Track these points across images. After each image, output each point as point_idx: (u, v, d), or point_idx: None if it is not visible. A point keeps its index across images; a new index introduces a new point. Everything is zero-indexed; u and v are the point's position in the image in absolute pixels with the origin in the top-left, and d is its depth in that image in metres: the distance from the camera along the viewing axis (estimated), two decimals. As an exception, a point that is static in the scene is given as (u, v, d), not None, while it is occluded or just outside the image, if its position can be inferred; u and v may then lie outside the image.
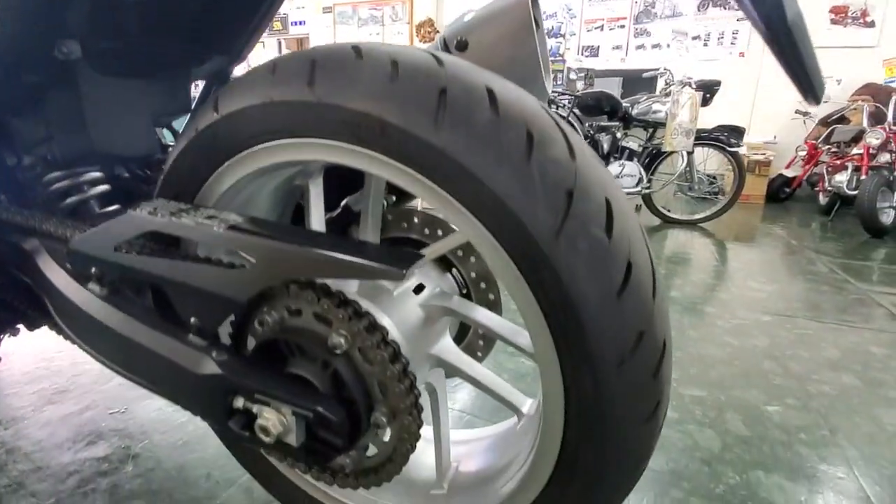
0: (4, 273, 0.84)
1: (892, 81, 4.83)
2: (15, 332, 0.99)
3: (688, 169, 3.87)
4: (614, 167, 3.68)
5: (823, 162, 4.84)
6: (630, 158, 3.82)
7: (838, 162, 4.50)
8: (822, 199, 4.71)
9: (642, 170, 3.76)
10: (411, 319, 0.70)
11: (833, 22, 5.37)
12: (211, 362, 0.60)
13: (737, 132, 4.24)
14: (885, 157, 3.92)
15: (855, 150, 4.22)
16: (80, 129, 0.83)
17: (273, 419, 0.58)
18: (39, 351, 1.62)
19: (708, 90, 3.65)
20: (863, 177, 3.89)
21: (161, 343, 0.63)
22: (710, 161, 4.22)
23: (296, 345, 0.62)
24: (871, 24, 5.28)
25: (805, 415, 1.40)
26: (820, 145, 4.99)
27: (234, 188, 0.69)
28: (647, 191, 3.86)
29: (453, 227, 0.75)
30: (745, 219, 4.38)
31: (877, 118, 4.26)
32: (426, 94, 0.51)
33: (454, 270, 0.83)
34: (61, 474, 1.06)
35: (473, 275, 0.82)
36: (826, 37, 5.35)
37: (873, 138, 3.91)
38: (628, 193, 3.70)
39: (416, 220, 0.80)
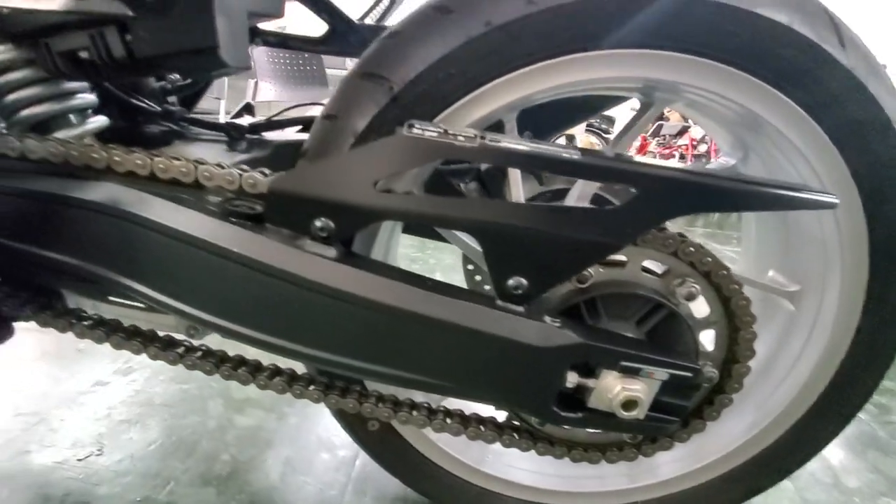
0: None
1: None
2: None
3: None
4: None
5: (651, 151, 5.91)
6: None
7: (666, 151, 5.55)
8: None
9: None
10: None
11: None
12: (559, 330, 0.46)
13: (608, 120, 4.89)
14: (703, 148, 4.99)
15: (681, 141, 5.25)
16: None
17: (640, 388, 0.47)
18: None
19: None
20: (689, 162, 4.89)
21: (468, 314, 0.45)
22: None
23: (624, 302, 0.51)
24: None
25: None
26: (649, 138, 6.07)
27: (483, 120, 0.53)
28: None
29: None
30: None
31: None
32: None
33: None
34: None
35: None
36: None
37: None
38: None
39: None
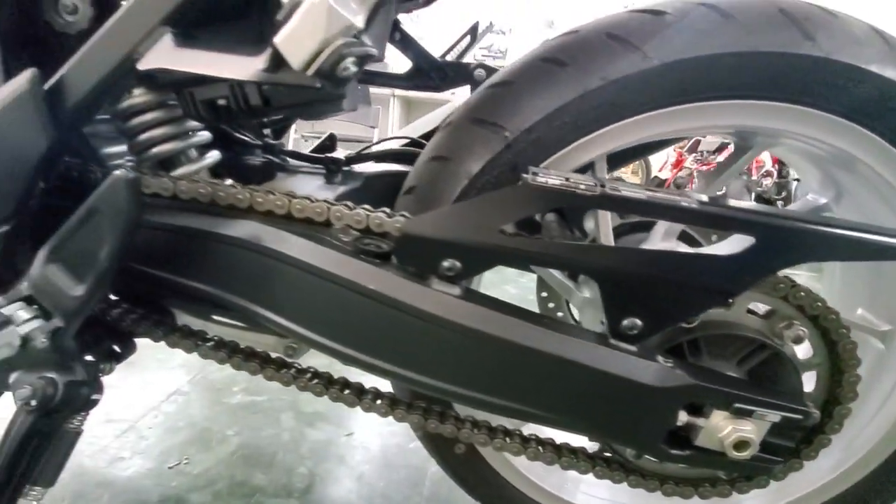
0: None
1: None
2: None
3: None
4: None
5: (688, 167, 5.81)
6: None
7: (704, 168, 5.44)
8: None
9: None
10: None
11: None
12: (673, 371, 0.48)
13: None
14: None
15: (720, 158, 5.15)
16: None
17: (751, 429, 0.49)
18: None
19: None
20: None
21: (584, 352, 0.48)
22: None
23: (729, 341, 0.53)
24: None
25: None
26: (685, 153, 5.97)
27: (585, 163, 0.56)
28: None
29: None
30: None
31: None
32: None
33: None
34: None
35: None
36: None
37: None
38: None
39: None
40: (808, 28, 0.49)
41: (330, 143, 1.00)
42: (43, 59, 0.51)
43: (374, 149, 0.87)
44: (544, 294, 0.90)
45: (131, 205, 0.46)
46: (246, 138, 0.81)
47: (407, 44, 0.88)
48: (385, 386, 0.65)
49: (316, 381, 0.63)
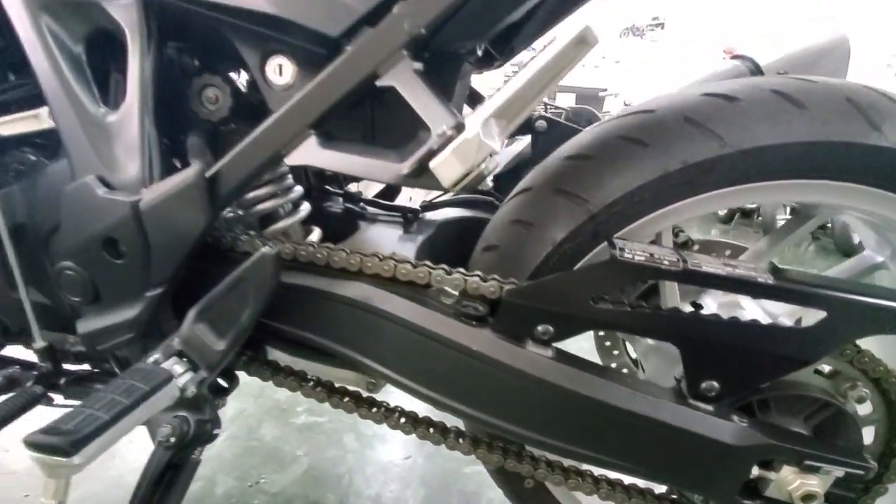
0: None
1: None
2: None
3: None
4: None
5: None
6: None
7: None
8: (721, 210, 5.61)
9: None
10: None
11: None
12: (749, 430, 0.53)
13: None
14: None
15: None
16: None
17: (818, 483, 0.53)
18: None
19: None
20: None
21: (667, 411, 0.53)
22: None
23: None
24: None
25: None
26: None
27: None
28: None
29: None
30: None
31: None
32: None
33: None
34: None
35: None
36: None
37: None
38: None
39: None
40: (874, 118, 0.54)
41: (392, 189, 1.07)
42: (191, 142, 0.59)
43: (444, 197, 0.94)
44: (601, 333, 0.95)
45: (273, 276, 0.54)
46: (329, 188, 0.89)
47: (474, 97, 0.94)
48: (463, 425, 0.72)
49: (404, 419, 0.70)
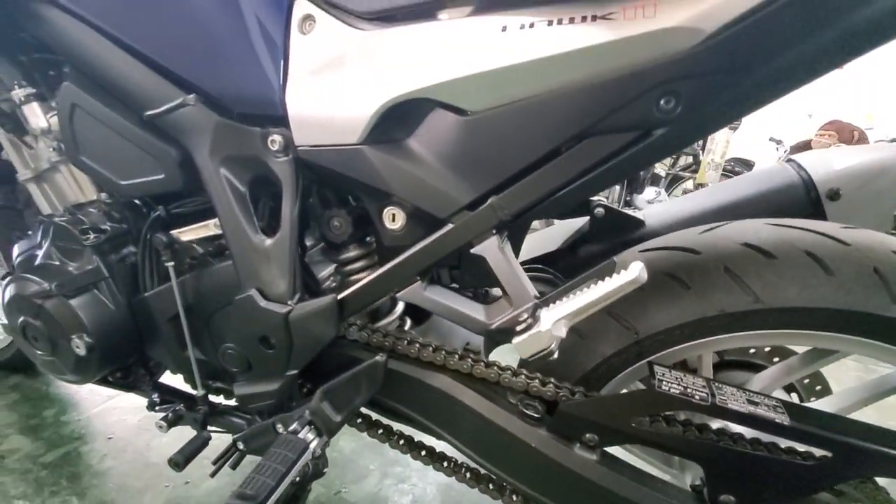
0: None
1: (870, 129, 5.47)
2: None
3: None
4: (650, 192, 3.90)
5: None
6: (654, 182, 4.07)
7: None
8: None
9: (665, 193, 4.03)
10: None
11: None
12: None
13: (746, 165, 4.64)
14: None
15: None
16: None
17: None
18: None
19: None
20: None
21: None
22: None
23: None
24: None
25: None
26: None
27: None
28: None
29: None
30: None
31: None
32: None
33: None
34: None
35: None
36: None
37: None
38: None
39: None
40: (897, 290, 0.62)
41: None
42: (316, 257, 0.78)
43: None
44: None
45: (381, 377, 0.71)
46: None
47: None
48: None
49: (469, 474, 0.87)
